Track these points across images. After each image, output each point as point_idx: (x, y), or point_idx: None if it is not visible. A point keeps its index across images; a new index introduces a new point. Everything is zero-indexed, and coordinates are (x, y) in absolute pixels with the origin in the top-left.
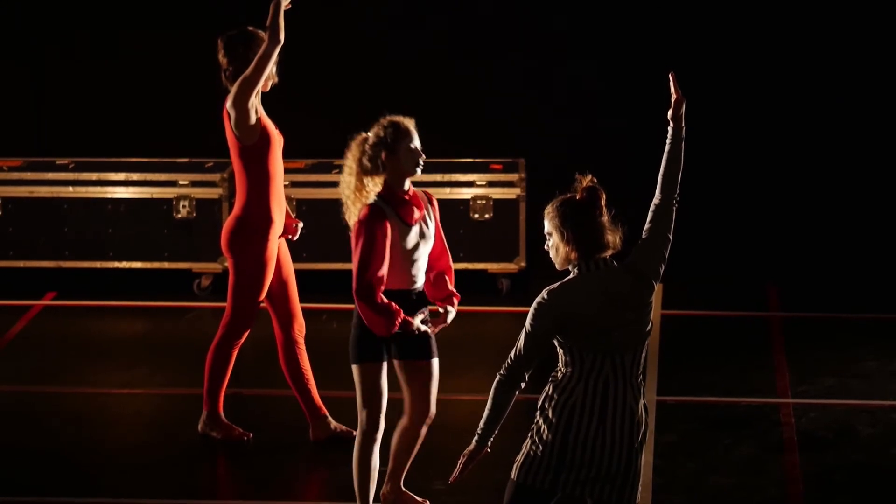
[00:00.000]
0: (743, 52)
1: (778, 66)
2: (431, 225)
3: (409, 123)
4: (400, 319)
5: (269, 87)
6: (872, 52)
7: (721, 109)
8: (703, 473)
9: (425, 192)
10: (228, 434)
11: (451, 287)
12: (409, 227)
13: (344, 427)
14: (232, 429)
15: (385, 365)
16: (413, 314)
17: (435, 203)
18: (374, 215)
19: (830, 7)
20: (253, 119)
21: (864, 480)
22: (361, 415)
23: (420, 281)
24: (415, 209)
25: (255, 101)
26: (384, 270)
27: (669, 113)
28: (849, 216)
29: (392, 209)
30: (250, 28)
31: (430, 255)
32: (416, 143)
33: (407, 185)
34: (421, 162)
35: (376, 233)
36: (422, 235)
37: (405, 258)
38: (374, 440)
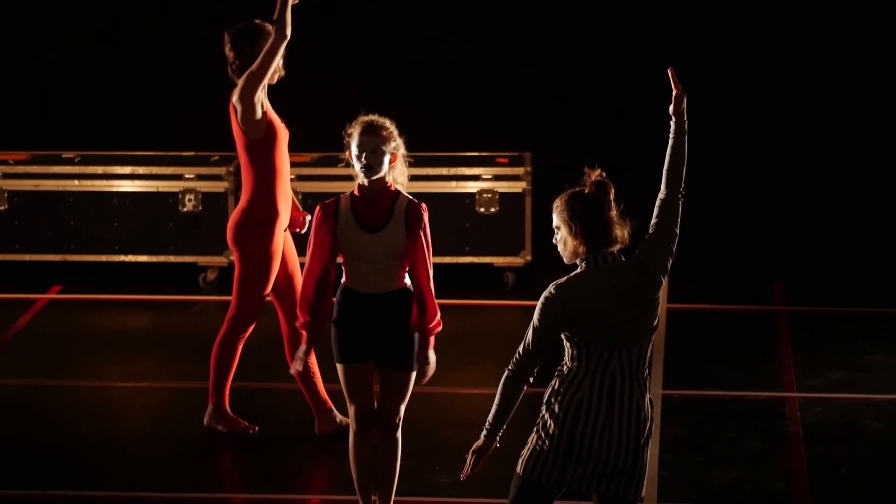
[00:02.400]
0: (746, 47)
1: (782, 62)
2: (401, 237)
3: (356, 127)
4: (304, 337)
5: (275, 81)
6: (875, 49)
7: (726, 104)
8: (709, 467)
9: (413, 206)
10: (234, 427)
11: (423, 318)
12: (362, 231)
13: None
14: (237, 422)
15: (365, 365)
16: (365, 318)
17: (420, 219)
18: (321, 210)
19: (834, 5)
20: (259, 114)
21: (870, 474)
22: (350, 411)
23: (384, 286)
24: (378, 215)
25: (261, 96)
26: (320, 267)
27: (671, 108)
28: (854, 210)
29: (352, 208)
30: (257, 21)
31: (415, 266)
32: (355, 148)
33: (376, 186)
34: (358, 167)
35: (315, 230)
36: (382, 244)
37: (355, 260)
38: (360, 437)
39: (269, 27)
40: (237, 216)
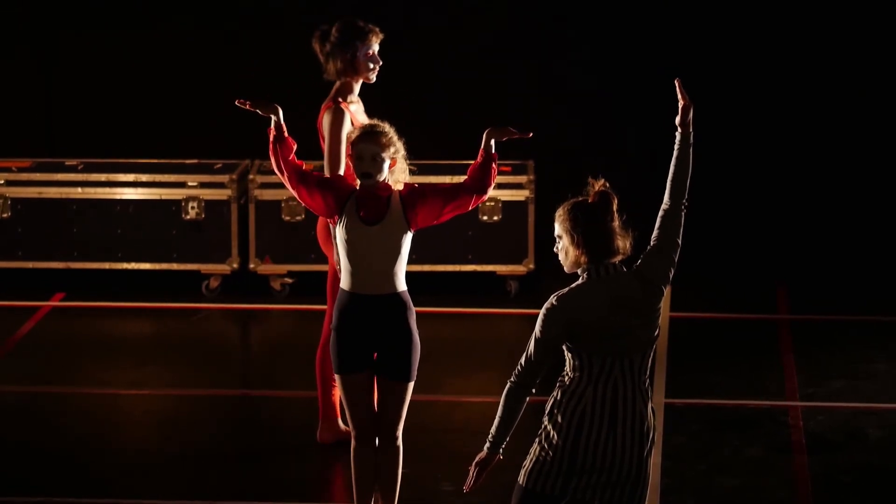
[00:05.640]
0: (750, 53)
1: (785, 66)
2: (400, 228)
3: (356, 132)
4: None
5: (373, 79)
6: (882, 53)
7: (729, 111)
8: (711, 475)
9: (402, 192)
10: (341, 435)
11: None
12: (361, 223)
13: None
14: (342, 431)
15: (364, 375)
16: (364, 324)
17: (413, 190)
18: (343, 180)
19: (834, 5)
20: (344, 143)
21: (873, 482)
22: (350, 422)
23: (382, 287)
24: (376, 209)
25: (347, 119)
26: (307, 172)
27: (677, 119)
28: (858, 217)
29: (355, 200)
30: (357, 24)
31: (452, 194)
32: (354, 155)
33: (375, 184)
34: (357, 174)
35: (327, 179)
36: (378, 236)
37: (353, 254)
38: (361, 447)
39: (353, 25)
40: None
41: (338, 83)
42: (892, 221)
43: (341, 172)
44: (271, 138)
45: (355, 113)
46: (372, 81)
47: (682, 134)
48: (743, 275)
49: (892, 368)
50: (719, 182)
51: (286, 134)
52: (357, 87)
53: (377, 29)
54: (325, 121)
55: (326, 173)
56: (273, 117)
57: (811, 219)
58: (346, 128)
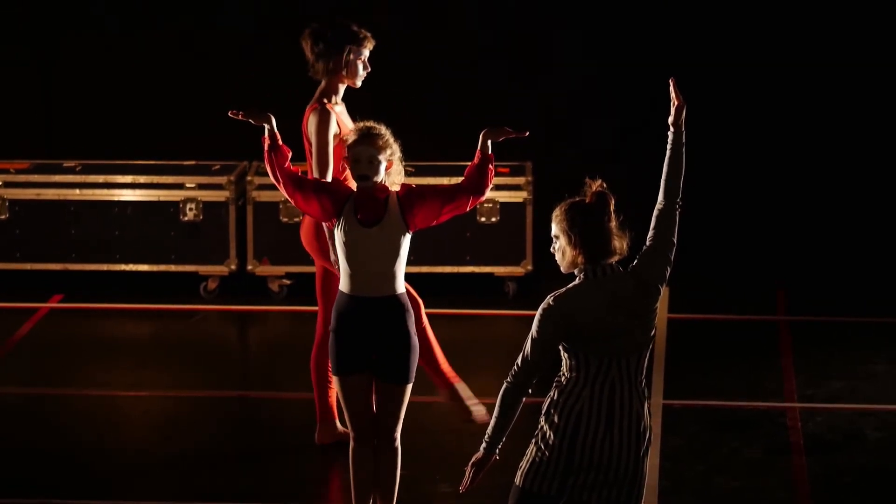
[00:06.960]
0: (749, 54)
1: (785, 68)
2: (398, 229)
3: (353, 134)
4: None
5: (359, 84)
6: (882, 53)
7: (728, 112)
8: (710, 476)
9: (400, 194)
10: (340, 437)
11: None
12: (359, 224)
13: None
14: (342, 433)
15: (362, 377)
16: (362, 326)
17: (410, 191)
18: (341, 185)
19: (835, 7)
20: (331, 144)
21: (872, 484)
22: (348, 423)
23: (380, 289)
24: (374, 211)
25: (333, 125)
26: (302, 176)
27: (670, 118)
28: (857, 219)
29: (353, 203)
30: (352, 27)
31: (450, 195)
32: (351, 157)
33: (372, 186)
34: (354, 175)
35: (325, 183)
36: (377, 237)
37: (352, 256)
38: (359, 448)
39: (348, 28)
40: (313, 223)
41: (323, 83)
42: (891, 223)
43: (329, 173)
44: (266, 147)
45: (340, 114)
46: (357, 87)
47: (674, 133)
48: (742, 276)
49: (891, 369)
50: (719, 183)
51: (280, 142)
52: (342, 90)
53: (370, 35)
54: (311, 122)
55: (314, 175)
56: (266, 126)
57: (811, 220)
58: (333, 129)
